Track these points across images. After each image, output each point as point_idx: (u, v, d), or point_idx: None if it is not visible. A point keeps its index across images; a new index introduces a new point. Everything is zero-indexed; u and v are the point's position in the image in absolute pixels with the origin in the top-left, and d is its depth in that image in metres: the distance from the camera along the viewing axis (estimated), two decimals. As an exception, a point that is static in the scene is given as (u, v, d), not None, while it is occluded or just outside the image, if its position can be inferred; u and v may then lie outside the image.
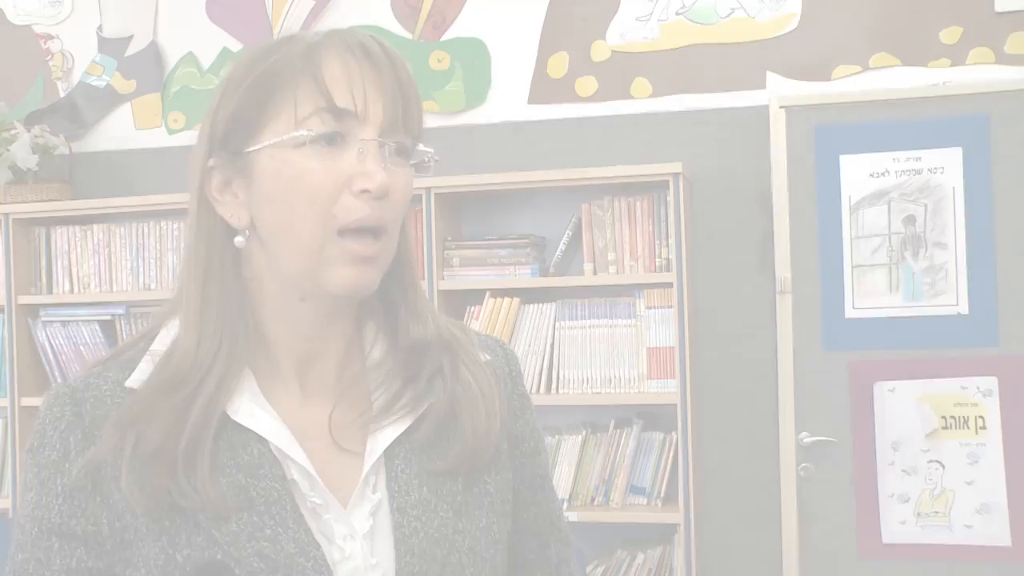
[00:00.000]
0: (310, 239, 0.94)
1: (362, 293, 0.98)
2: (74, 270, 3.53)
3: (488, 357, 1.10)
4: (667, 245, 3.09)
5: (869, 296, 3.11)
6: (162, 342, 1.00)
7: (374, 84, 0.96)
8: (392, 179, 0.95)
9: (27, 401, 3.46)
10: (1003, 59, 3.07)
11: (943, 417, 3.07)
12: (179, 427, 0.93)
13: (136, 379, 0.98)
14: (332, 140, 0.94)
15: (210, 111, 1.00)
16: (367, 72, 0.95)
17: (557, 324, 3.17)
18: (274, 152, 0.95)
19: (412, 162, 1.00)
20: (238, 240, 0.99)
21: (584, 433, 3.19)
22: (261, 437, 0.97)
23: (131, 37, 3.74)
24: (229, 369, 0.97)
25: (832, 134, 3.13)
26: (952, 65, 3.10)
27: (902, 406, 3.09)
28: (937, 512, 3.07)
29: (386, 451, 1.00)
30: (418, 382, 1.03)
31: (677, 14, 3.30)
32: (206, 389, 0.95)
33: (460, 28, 3.47)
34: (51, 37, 3.83)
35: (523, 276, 3.19)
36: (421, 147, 1.01)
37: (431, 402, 1.02)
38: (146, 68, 3.72)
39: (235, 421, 0.96)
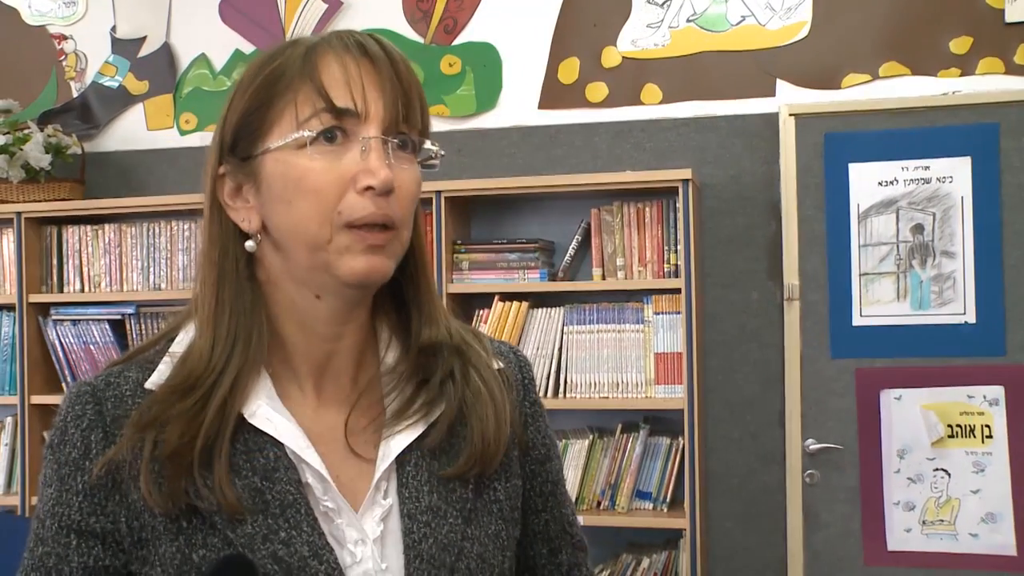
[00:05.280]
0: (318, 237, 0.94)
1: (375, 281, 0.98)
2: (85, 269, 3.55)
3: (501, 364, 1.12)
4: (675, 251, 3.10)
5: (876, 304, 3.12)
6: (180, 344, 1.02)
7: (373, 82, 0.96)
8: (397, 175, 0.95)
9: (37, 399, 3.48)
10: (1012, 69, 3.08)
11: (949, 426, 3.07)
12: (194, 429, 0.94)
13: (155, 381, 0.99)
14: (333, 138, 0.94)
15: (220, 118, 1.01)
16: (366, 71, 0.96)
17: (565, 328, 3.18)
18: (278, 155, 0.96)
19: (418, 159, 1.00)
20: (249, 244, 1.00)
21: (591, 437, 3.20)
22: (277, 441, 0.98)
23: (144, 38, 3.77)
24: (243, 370, 0.98)
25: (841, 142, 3.14)
26: (962, 75, 3.11)
27: (908, 414, 3.09)
28: (943, 520, 3.08)
29: (397, 457, 1.01)
30: (430, 386, 1.04)
31: (688, 21, 3.31)
32: (220, 390, 0.96)
33: (472, 33, 3.48)
34: (65, 37, 3.85)
35: (532, 280, 3.20)
36: (428, 144, 1.00)
37: (442, 408, 1.03)
38: (159, 69, 3.74)
39: (252, 424, 0.98)
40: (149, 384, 0.99)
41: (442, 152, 1.02)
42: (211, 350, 0.98)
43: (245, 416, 0.98)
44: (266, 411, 0.98)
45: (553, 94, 3.42)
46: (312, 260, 0.96)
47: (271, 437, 0.98)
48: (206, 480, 0.94)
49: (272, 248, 1.00)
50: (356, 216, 0.94)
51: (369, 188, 0.93)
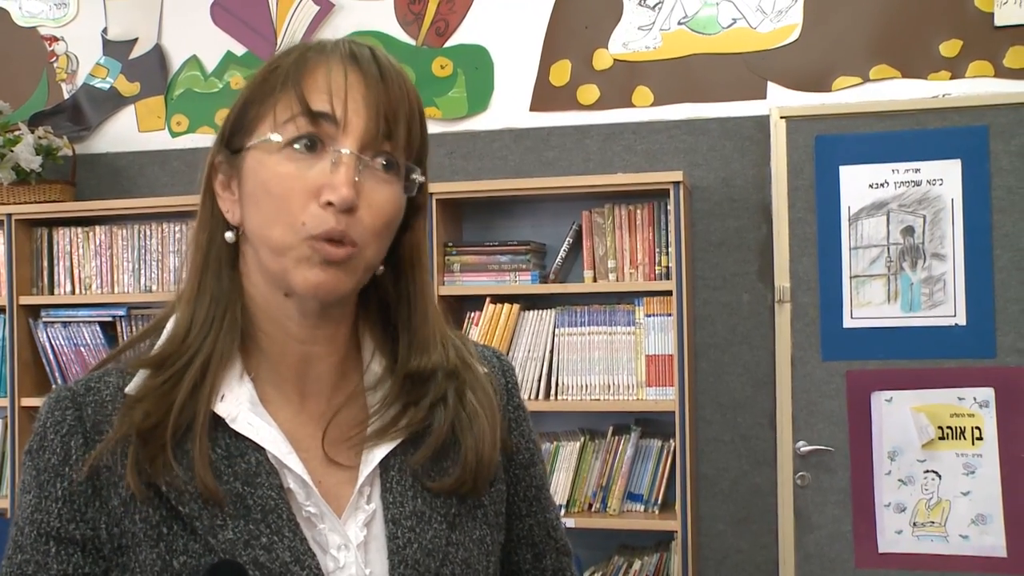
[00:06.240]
0: (280, 242, 0.94)
1: (327, 297, 0.96)
2: (76, 271, 3.54)
3: (485, 369, 1.11)
4: (667, 253, 3.10)
5: (867, 306, 3.12)
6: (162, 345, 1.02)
7: (359, 94, 0.94)
8: (369, 193, 0.94)
9: (27, 401, 3.47)
10: (1002, 72, 3.08)
11: (940, 427, 3.08)
12: (165, 406, 0.94)
13: (135, 385, 0.99)
14: (313, 147, 0.94)
15: (230, 108, 1.02)
16: (353, 81, 0.94)
17: (557, 331, 3.18)
18: (256, 154, 0.96)
19: (404, 181, 0.98)
20: (228, 235, 1.00)
21: (582, 439, 3.20)
22: (259, 446, 0.97)
23: (136, 40, 3.76)
24: (214, 355, 0.97)
25: (832, 145, 3.14)
26: (952, 78, 3.12)
27: (899, 416, 3.10)
28: (933, 522, 3.08)
29: (381, 463, 1.01)
30: (418, 409, 1.03)
31: (679, 24, 3.31)
32: (191, 371, 0.96)
33: (463, 35, 3.48)
34: (56, 39, 3.84)
35: (523, 282, 3.20)
36: (415, 175, 0.99)
37: (431, 425, 1.02)
38: (150, 71, 3.74)
39: (233, 429, 0.97)
40: (130, 389, 0.99)
41: (422, 179, 1.01)
42: (187, 331, 0.99)
43: (226, 421, 0.97)
44: (247, 415, 0.98)
45: (544, 96, 3.42)
46: (273, 263, 0.96)
47: (252, 442, 0.97)
48: (182, 464, 0.93)
49: (247, 242, 1.00)
50: (318, 230, 0.92)
51: (330, 204, 0.92)
